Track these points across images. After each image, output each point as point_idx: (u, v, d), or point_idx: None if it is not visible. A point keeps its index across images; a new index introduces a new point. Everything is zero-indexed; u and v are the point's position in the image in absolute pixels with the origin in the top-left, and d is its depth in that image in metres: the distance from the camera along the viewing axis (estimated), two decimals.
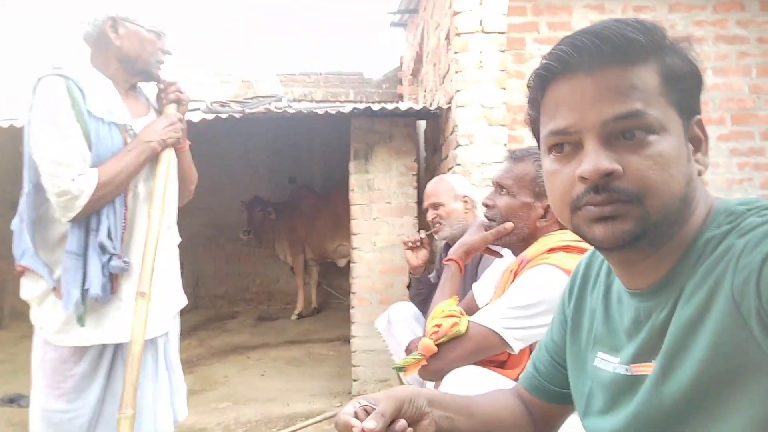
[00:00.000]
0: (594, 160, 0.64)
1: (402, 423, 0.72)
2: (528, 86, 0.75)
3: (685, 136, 0.67)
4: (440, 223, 2.38)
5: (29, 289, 1.59)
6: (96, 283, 1.50)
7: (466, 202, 2.40)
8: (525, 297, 1.26)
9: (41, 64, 1.59)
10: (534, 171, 1.44)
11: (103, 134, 1.52)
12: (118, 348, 1.61)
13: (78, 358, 1.56)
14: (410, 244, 2.35)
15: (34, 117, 1.50)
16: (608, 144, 0.65)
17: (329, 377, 3.91)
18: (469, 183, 2.62)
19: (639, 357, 0.72)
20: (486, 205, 1.50)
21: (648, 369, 0.70)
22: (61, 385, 1.55)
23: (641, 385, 0.71)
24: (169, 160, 1.67)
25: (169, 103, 1.70)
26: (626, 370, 0.74)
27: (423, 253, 2.36)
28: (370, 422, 0.68)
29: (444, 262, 1.57)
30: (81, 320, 1.52)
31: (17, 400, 3.46)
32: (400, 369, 1.22)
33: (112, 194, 1.53)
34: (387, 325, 2.42)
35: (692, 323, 0.64)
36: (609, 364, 0.78)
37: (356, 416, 0.71)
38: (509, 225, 1.43)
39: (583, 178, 0.65)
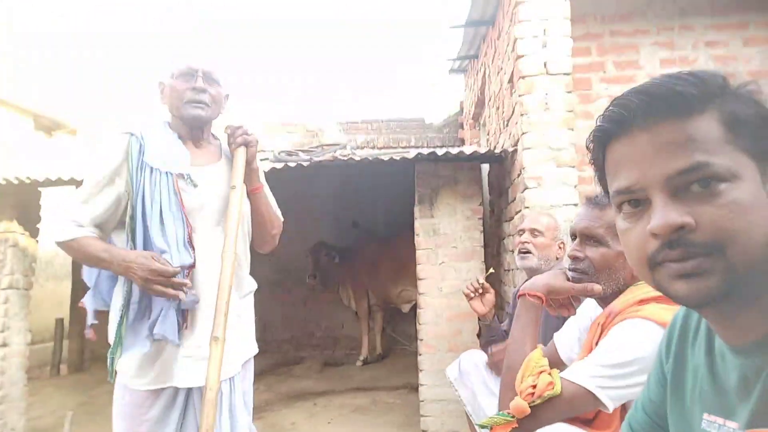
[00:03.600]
0: (663, 215, 0.63)
1: None
2: (587, 147, 0.75)
3: (763, 179, 0.64)
4: (530, 252, 2.29)
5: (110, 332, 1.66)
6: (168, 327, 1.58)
7: (560, 248, 2.34)
8: (619, 354, 1.18)
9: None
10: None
11: (156, 180, 1.64)
12: (189, 393, 1.64)
13: (152, 402, 1.60)
14: (471, 295, 2.25)
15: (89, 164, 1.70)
16: (677, 197, 0.63)
17: (396, 426, 3.82)
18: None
19: (755, 421, 0.66)
20: (575, 258, 1.39)
21: None
22: (137, 429, 1.60)
23: None
24: (240, 202, 1.69)
25: (238, 146, 1.74)
26: None
27: (488, 298, 2.27)
28: None
29: (520, 294, 1.45)
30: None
31: None
32: (485, 427, 1.16)
33: (80, 260, 1.66)
34: (458, 374, 2.35)
35: None
36: (720, 428, 0.71)
37: None
38: (597, 288, 1.34)
39: (654, 234, 0.64)
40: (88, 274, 1.71)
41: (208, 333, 1.58)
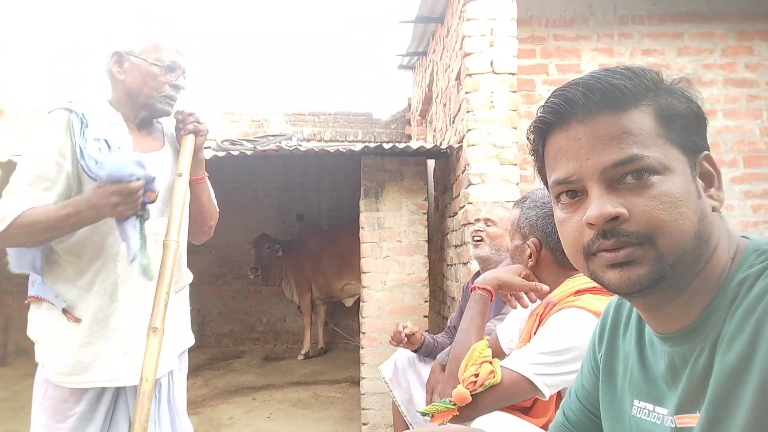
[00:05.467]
0: (598, 205, 0.65)
1: None
2: (528, 138, 0.77)
3: (692, 173, 0.67)
4: (482, 240, 2.32)
5: (36, 322, 1.55)
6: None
7: None
8: (555, 342, 1.22)
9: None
10: (519, 214, 1.50)
11: (111, 155, 1.49)
12: (120, 389, 1.56)
13: (78, 398, 1.51)
14: (395, 344, 2.36)
15: (25, 148, 1.52)
16: (612, 188, 0.65)
17: (337, 420, 3.81)
18: None
19: (682, 407, 0.69)
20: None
21: (693, 421, 0.67)
22: (58, 426, 1.50)
23: None
24: (186, 190, 1.63)
25: (187, 134, 1.68)
26: (671, 421, 0.70)
27: (416, 337, 2.35)
28: None
29: (473, 288, 1.51)
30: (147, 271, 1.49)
31: None
32: (426, 414, 1.17)
33: (27, 240, 1.45)
34: (393, 371, 2.36)
35: (737, 370, 0.61)
36: (650, 413, 0.74)
37: None
38: (545, 288, 1.42)
39: (590, 224, 0.66)
40: (20, 261, 1.53)
41: (139, 326, 1.52)
